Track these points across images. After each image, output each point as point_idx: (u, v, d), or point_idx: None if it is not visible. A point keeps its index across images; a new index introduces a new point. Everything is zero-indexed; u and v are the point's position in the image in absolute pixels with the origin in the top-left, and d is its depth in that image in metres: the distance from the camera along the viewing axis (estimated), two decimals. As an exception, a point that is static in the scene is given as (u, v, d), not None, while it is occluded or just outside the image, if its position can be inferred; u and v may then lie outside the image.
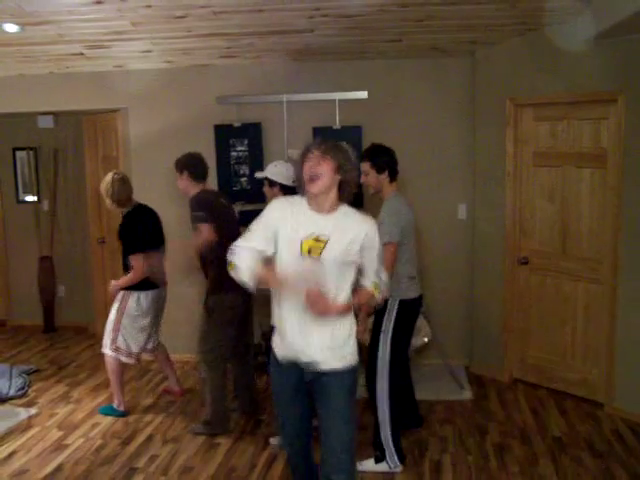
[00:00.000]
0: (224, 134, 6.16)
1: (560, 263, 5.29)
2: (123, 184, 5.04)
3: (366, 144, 5.92)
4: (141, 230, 4.99)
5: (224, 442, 4.68)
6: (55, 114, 7.39)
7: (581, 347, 5.22)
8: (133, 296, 5.00)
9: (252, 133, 6.14)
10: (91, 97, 6.37)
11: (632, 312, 4.81)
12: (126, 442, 4.73)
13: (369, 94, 5.96)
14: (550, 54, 5.02)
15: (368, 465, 4.20)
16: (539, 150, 5.34)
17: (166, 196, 5.89)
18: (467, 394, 5.38)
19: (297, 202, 3.11)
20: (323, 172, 2.98)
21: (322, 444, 3.17)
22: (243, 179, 6.10)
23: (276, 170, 4.62)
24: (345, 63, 5.99)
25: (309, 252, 2.99)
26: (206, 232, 4.53)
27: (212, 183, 5.67)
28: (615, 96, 4.72)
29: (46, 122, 7.47)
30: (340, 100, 5.98)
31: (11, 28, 4.51)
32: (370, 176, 4.29)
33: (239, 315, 4.79)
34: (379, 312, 4.25)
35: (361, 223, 3.07)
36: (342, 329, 3.11)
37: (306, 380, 3.15)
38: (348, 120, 6.00)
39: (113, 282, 5.09)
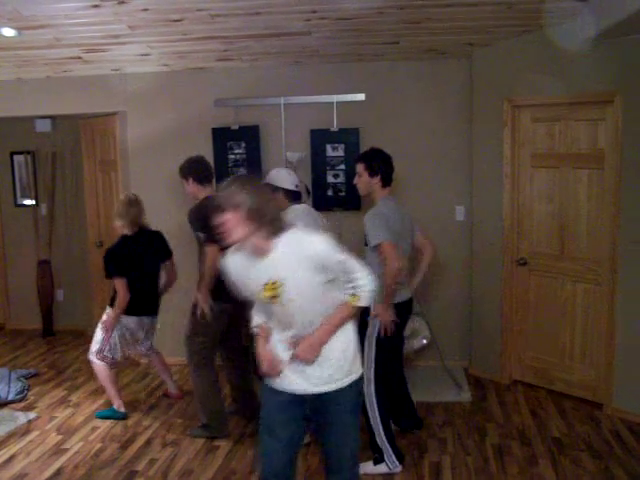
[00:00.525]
0: (222, 137, 6.16)
1: (558, 264, 5.30)
2: (130, 206, 5.03)
3: (364, 146, 5.96)
4: (120, 257, 5.02)
5: (224, 445, 4.68)
6: (53, 118, 7.40)
7: (580, 348, 5.23)
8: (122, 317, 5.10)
9: (250, 136, 6.14)
10: (89, 101, 6.36)
11: (631, 313, 4.81)
12: (125, 445, 4.72)
13: (367, 96, 5.96)
14: (547, 55, 5.03)
15: (368, 467, 4.18)
16: (537, 151, 5.35)
17: (165, 199, 5.90)
18: (466, 396, 5.38)
19: (242, 255, 2.88)
20: (231, 227, 2.74)
21: (327, 457, 3.10)
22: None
23: (278, 176, 4.58)
24: (342, 65, 6.00)
25: (273, 299, 2.84)
26: (213, 254, 4.41)
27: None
28: (612, 97, 4.72)
29: (44, 126, 7.48)
30: (338, 102, 5.99)
31: (8, 32, 4.51)
32: (362, 178, 4.36)
33: (225, 321, 4.77)
34: (363, 314, 4.19)
35: (308, 245, 2.81)
36: (335, 349, 2.95)
37: (308, 400, 3.00)
38: (346, 122, 6.00)
39: (107, 313, 5.14)
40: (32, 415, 5.28)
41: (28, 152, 7.65)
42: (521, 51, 5.26)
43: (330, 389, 2.96)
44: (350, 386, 3.00)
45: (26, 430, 5.02)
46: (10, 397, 5.56)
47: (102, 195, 7.11)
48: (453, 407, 5.18)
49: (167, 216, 5.73)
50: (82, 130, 7.17)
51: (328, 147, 6.04)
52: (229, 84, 6.16)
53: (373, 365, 4.23)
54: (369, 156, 4.36)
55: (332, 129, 6.02)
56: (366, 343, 4.22)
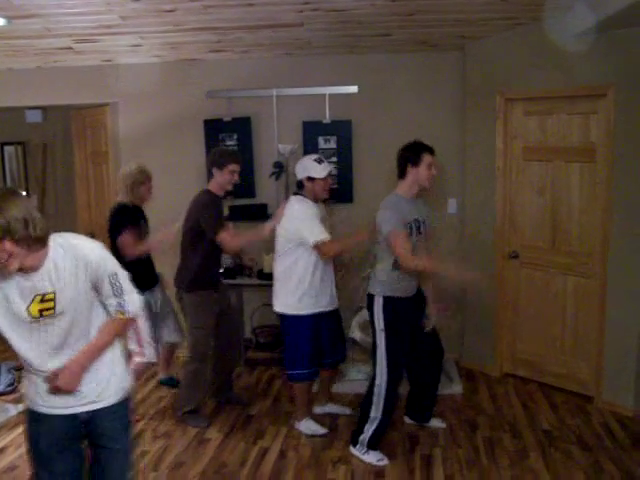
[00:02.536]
0: (214, 129, 6.14)
1: (550, 257, 5.31)
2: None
3: (356, 138, 5.98)
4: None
5: (215, 437, 4.68)
6: (43, 108, 7.36)
7: (571, 341, 5.24)
8: None
9: (242, 127, 6.13)
10: (80, 91, 6.33)
11: (621, 306, 4.83)
12: (116, 438, 4.71)
13: (359, 88, 5.95)
14: (540, 48, 5.03)
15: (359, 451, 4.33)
16: (529, 144, 5.35)
17: (155, 191, 5.85)
18: (457, 388, 5.39)
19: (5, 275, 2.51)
20: (4, 257, 2.38)
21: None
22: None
23: (313, 167, 4.53)
24: (335, 57, 5.98)
25: (41, 315, 2.56)
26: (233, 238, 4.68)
27: (202, 178, 5.65)
28: (605, 90, 4.73)
29: (34, 117, 7.44)
30: (330, 94, 5.97)
31: (-2, 21, 4.48)
32: (434, 170, 4.29)
33: (216, 310, 4.86)
34: (368, 306, 4.28)
35: (73, 257, 2.60)
36: (104, 363, 2.77)
37: (81, 419, 2.75)
38: (338, 114, 5.99)
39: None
40: (22, 407, 5.26)
41: (19, 143, 7.62)
42: (514, 44, 5.25)
43: (100, 406, 2.76)
44: (120, 403, 2.83)
45: (16, 422, 5.00)
46: (0, 389, 5.55)
47: (93, 187, 7.08)
48: (444, 400, 5.18)
49: (158, 206, 5.70)
50: (73, 121, 7.13)
51: (320, 139, 6.03)
52: (221, 76, 6.13)
53: (385, 360, 4.19)
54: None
55: (324, 121, 6.00)
56: (377, 337, 4.21)
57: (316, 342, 4.57)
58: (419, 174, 4.20)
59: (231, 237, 4.63)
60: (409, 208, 4.22)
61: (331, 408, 5.02)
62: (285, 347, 4.69)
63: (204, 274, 4.78)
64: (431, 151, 4.23)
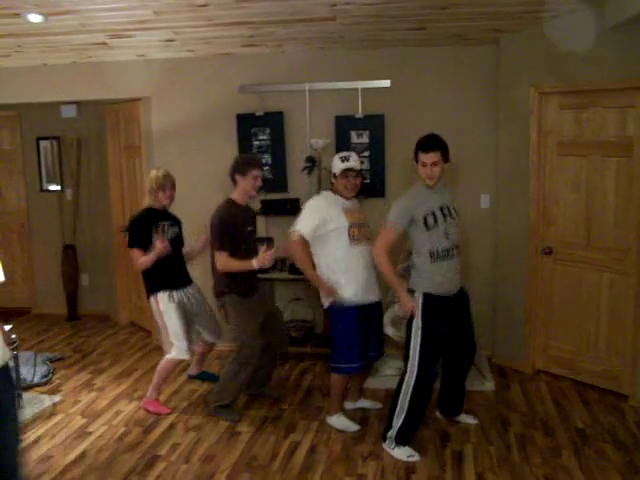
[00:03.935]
0: (246, 123, 6.16)
1: (584, 253, 5.24)
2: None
3: (388, 133, 5.96)
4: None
5: (246, 431, 4.70)
6: (78, 103, 7.43)
7: (605, 338, 5.17)
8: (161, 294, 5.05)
9: (274, 122, 6.13)
10: (113, 87, 6.39)
11: (658, 303, 4.76)
12: (148, 430, 4.76)
13: (392, 82, 5.93)
14: (575, 41, 4.94)
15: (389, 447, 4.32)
16: (564, 139, 5.28)
17: (188, 185, 5.88)
18: (489, 385, 5.35)
19: None
20: None
21: None
22: (265, 168, 6.08)
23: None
24: (368, 51, 5.96)
25: None
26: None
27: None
28: (642, 84, 4.65)
29: (69, 112, 7.52)
30: (363, 89, 5.96)
31: (35, 18, 4.53)
32: (441, 167, 4.25)
33: (258, 314, 4.92)
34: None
35: None
36: None
37: None
38: (371, 109, 5.97)
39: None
40: (57, 398, 5.34)
41: (54, 138, 7.70)
42: (549, 37, 5.18)
43: None
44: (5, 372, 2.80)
45: (51, 413, 5.08)
46: (35, 380, 5.63)
47: (126, 180, 7.16)
48: (476, 396, 5.15)
49: (189, 202, 5.73)
50: (107, 116, 7.20)
51: (353, 134, 6.01)
52: (254, 70, 6.15)
53: (418, 355, 4.19)
54: (444, 143, 4.27)
55: (357, 115, 5.99)
56: (413, 327, 4.22)
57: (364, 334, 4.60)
58: (420, 171, 4.26)
59: (227, 260, 4.70)
60: (434, 197, 4.26)
61: (363, 403, 5.02)
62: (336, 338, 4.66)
63: (234, 281, 4.82)
64: (424, 149, 4.21)
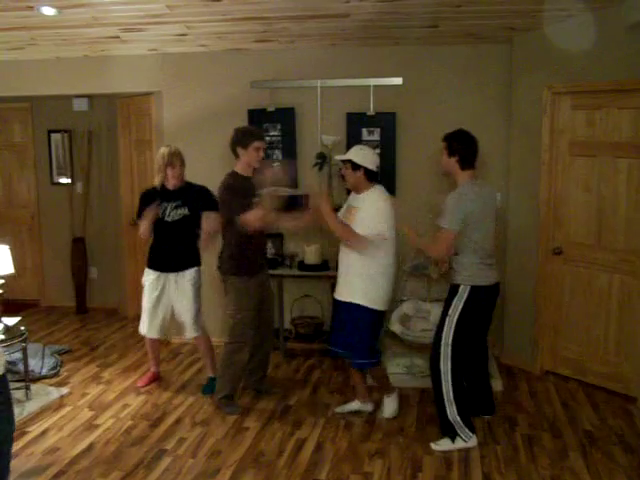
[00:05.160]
0: (258, 119, 6.15)
1: (595, 254, 5.21)
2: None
3: (400, 130, 5.94)
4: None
5: (252, 426, 4.70)
6: (90, 97, 7.45)
7: (614, 340, 5.15)
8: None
9: (286, 118, 6.13)
10: (125, 80, 6.40)
11: (668, 306, 4.73)
12: (155, 424, 4.77)
13: (404, 80, 5.91)
14: (590, 41, 4.91)
15: (445, 445, 4.32)
16: (576, 139, 5.25)
17: (198, 180, 5.87)
18: (497, 385, 5.33)
19: None
20: None
21: None
22: (276, 164, 6.08)
23: (362, 153, 4.51)
24: (380, 49, 5.95)
25: None
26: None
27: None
28: (656, 85, 4.62)
29: (81, 105, 7.54)
30: (375, 86, 5.94)
31: (49, 11, 4.52)
32: (443, 157, 4.35)
33: (256, 297, 4.89)
34: (450, 295, 4.32)
35: None
36: None
37: None
38: (382, 106, 5.96)
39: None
40: (65, 391, 5.35)
41: (65, 131, 7.71)
42: (563, 37, 5.14)
43: None
44: None
45: (59, 405, 5.09)
46: (43, 372, 5.65)
47: (137, 174, 7.15)
48: (483, 396, 5.14)
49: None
50: (118, 109, 7.20)
51: (364, 131, 6.00)
52: (266, 66, 6.14)
53: (451, 343, 4.27)
54: (450, 136, 4.33)
55: (368, 113, 5.97)
56: (447, 321, 4.27)
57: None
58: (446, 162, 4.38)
59: (254, 216, 4.56)
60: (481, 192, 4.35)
61: (352, 406, 4.95)
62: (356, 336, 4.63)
63: (241, 259, 4.78)
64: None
